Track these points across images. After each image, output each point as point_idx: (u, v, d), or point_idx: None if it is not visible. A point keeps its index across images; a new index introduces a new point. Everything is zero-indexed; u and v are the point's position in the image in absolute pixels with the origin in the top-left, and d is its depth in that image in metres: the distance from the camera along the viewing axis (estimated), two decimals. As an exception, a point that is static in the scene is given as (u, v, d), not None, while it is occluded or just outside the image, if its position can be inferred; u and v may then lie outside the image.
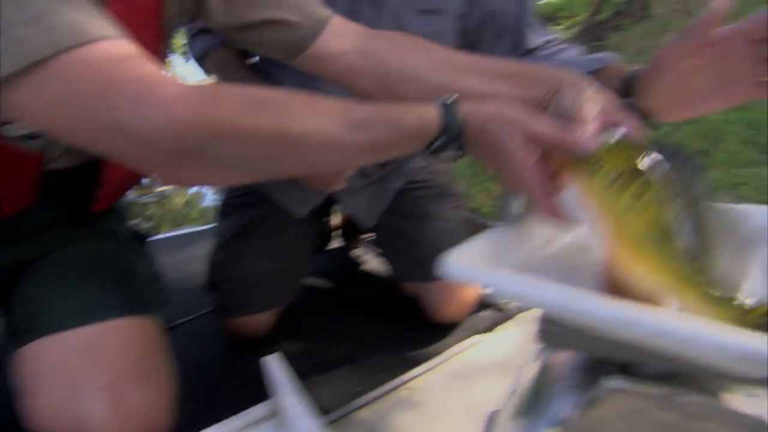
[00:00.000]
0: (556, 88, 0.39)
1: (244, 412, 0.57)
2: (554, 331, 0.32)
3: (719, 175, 1.94)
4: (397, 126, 0.42)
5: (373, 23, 0.75)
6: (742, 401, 0.34)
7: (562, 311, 0.27)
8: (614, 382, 0.37)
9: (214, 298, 0.90)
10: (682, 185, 0.29)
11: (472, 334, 0.81)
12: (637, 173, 0.29)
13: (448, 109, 0.42)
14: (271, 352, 0.83)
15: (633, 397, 0.36)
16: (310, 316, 0.98)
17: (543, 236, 0.41)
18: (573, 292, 0.26)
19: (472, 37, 0.83)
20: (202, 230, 1.45)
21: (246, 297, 0.87)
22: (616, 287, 0.31)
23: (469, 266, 0.32)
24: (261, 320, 0.89)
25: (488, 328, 0.86)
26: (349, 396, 0.69)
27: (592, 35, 4.07)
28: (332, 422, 0.66)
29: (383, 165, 0.99)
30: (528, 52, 0.80)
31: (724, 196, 0.29)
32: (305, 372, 0.78)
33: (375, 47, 0.59)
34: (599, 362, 0.39)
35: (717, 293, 0.27)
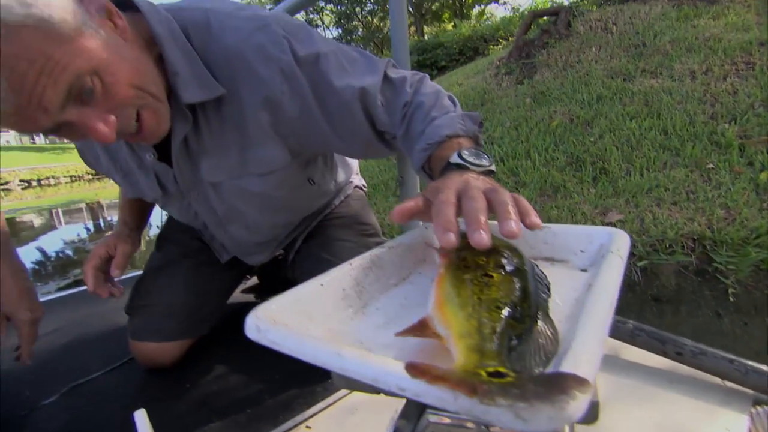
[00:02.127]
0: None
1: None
2: (340, 375, 0.32)
3: (637, 180, 2.05)
4: None
5: (216, 196, 0.78)
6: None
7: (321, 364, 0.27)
8: (436, 416, 0.37)
9: (130, 321, 0.93)
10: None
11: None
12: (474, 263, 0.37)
13: None
14: (177, 389, 0.81)
15: (452, 428, 0.37)
16: (221, 349, 0.95)
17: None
18: (324, 347, 0.27)
19: (326, 152, 0.86)
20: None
21: (159, 324, 0.90)
22: (429, 328, 0.33)
23: (264, 326, 0.33)
24: (169, 349, 0.91)
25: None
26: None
27: (524, 52, 4.28)
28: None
29: (311, 218, 1.01)
30: (385, 132, 0.69)
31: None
32: (206, 409, 0.75)
33: None
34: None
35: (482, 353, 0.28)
